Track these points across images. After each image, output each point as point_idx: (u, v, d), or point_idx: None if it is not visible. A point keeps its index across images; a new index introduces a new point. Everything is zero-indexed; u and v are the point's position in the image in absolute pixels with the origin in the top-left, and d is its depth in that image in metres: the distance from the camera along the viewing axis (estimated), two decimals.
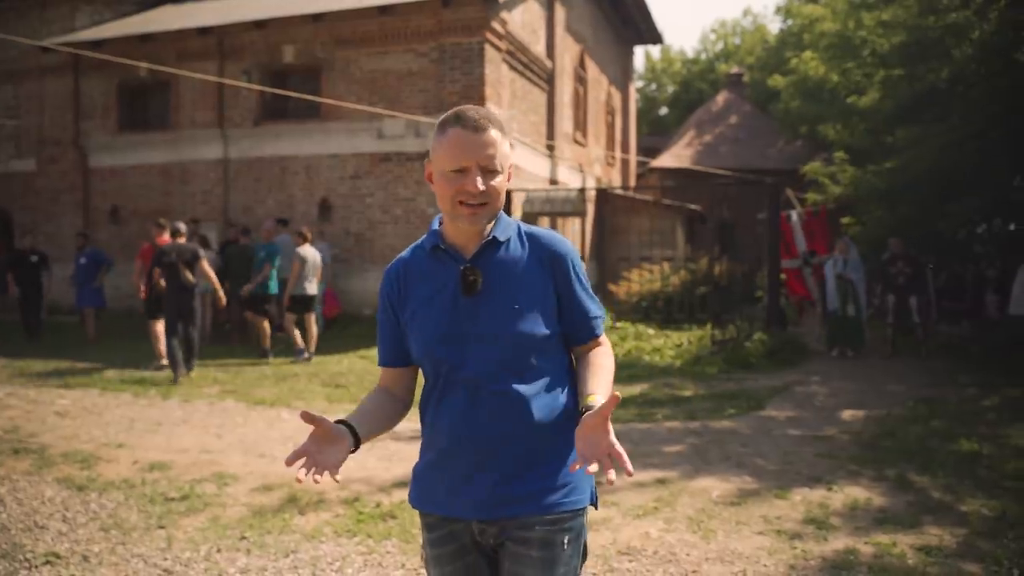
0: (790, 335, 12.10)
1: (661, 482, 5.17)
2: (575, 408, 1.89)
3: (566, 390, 1.90)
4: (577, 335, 1.93)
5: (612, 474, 1.59)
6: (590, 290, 1.96)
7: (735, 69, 29.93)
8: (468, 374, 1.82)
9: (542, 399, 1.83)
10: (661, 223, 16.86)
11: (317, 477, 1.64)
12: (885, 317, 11.54)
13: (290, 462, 1.67)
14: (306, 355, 10.61)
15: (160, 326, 9.81)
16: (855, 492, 4.97)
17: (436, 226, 1.93)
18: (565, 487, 1.85)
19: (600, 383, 1.82)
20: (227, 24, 14.23)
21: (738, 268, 17.52)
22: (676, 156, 24.46)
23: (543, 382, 1.85)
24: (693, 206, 18.93)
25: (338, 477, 1.66)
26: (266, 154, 14.21)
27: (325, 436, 1.72)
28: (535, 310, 1.83)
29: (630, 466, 1.60)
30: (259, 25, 13.92)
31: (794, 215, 13.13)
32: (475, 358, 1.81)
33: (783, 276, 13.08)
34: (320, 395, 8.24)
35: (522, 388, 1.82)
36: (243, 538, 4.16)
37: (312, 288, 10.70)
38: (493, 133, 1.79)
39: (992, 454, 5.90)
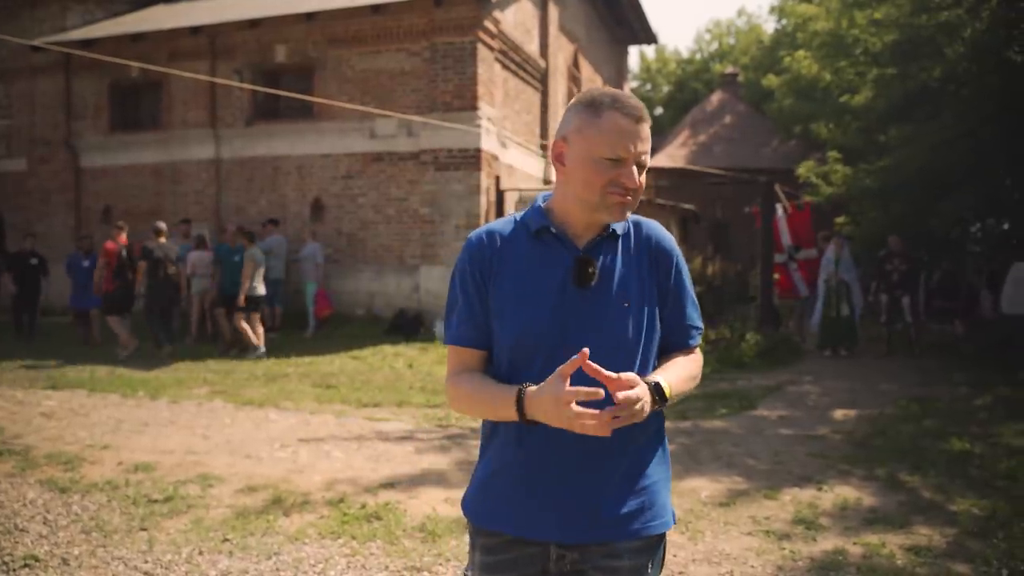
0: (783, 335, 12.09)
1: None
2: (663, 423, 1.79)
3: None
4: (671, 342, 1.78)
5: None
6: (693, 295, 1.82)
7: (730, 69, 29.90)
8: None
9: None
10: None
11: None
12: (879, 316, 11.55)
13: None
14: (260, 351, 10.86)
15: (117, 320, 10.94)
16: (845, 492, 4.94)
17: (540, 203, 1.78)
18: (653, 508, 1.72)
19: (671, 372, 1.68)
20: (219, 23, 14.17)
21: (732, 268, 17.51)
22: (671, 156, 24.42)
23: None
24: (687, 206, 18.89)
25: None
26: (258, 154, 14.15)
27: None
28: (644, 311, 1.71)
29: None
30: (251, 24, 13.86)
31: (779, 210, 13.12)
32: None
33: (776, 276, 13.06)
34: (310, 395, 8.18)
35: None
36: (226, 540, 4.11)
37: (260, 288, 11.08)
38: (648, 127, 1.67)
39: (984, 453, 5.88)
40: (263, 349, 10.91)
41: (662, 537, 1.76)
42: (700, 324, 1.82)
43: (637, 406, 1.51)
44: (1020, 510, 4.48)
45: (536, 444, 1.66)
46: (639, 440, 1.70)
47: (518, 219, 1.78)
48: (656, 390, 1.59)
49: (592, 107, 1.65)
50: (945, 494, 4.91)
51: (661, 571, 1.80)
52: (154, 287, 10.66)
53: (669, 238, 1.79)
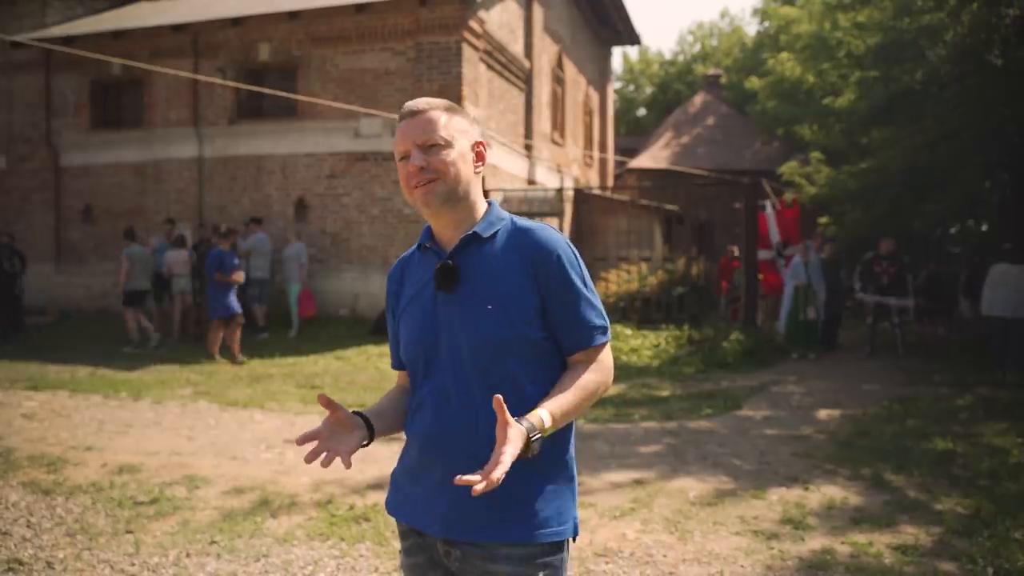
0: (767, 335, 12.13)
1: (638, 482, 5.14)
2: (567, 428, 1.76)
3: None
4: (566, 343, 1.74)
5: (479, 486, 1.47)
6: (589, 294, 1.74)
7: (712, 71, 30.03)
8: (439, 378, 1.72)
9: (518, 411, 1.63)
10: (639, 223, 16.85)
11: (326, 461, 1.60)
12: (866, 317, 11.61)
13: (301, 442, 1.62)
14: (150, 343, 11.54)
15: None
16: (831, 491, 4.97)
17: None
18: (542, 514, 1.69)
19: (558, 399, 1.65)
20: (202, 21, 14.07)
21: (715, 269, 17.55)
22: (653, 157, 24.50)
23: (520, 393, 1.67)
24: (670, 207, 18.95)
25: (351, 462, 1.62)
26: (241, 153, 14.05)
27: (339, 423, 1.67)
28: (510, 312, 1.67)
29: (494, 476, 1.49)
30: (235, 22, 13.76)
31: (769, 206, 13.16)
32: (446, 361, 1.71)
33: (760, 277, 13.09)
34: (294, 396, 8.14)
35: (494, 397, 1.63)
36: (213, 542, 4.08)
37: (143, 284, 11.70)
38: (432, 113, 1.73)
39: (966, 453, 5.94)
40: (154, 341, 11.56)
41: (555, 547, 1.70)
42: (599, 322, 1.75)
43: (495, 475, 1.49)
44: (1004, 509, 4.52)
45: (422, 442, 1.75)
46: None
47: (417, 243, 1.90)
48: (529, 439, 1.56)
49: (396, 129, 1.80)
50: (929, 493, 4.95)
51: None
52: None
53: (551, 237, 1.73)
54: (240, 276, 10.44)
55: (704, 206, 20.86)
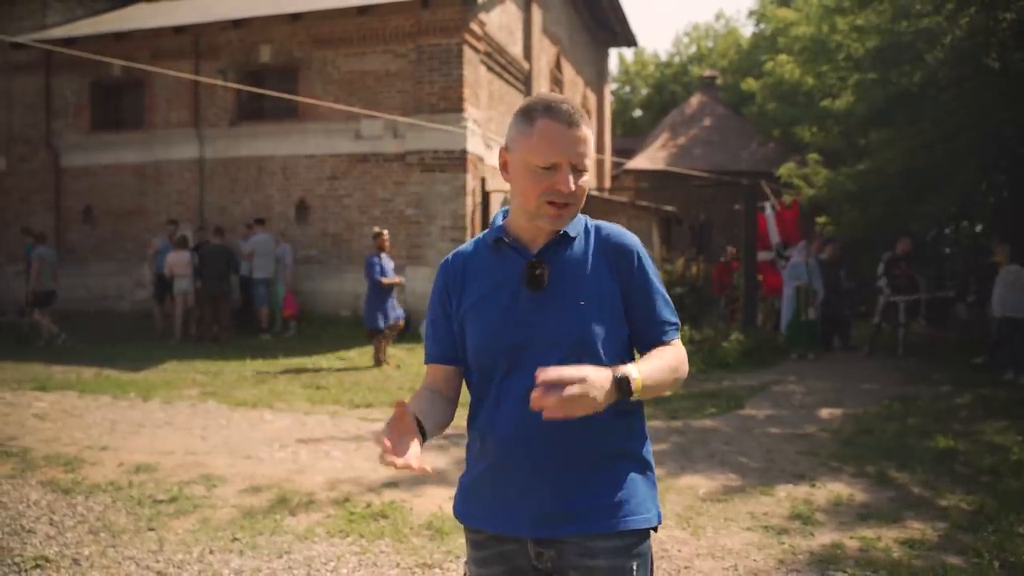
0: (767, 334, 12.23)
1: None
2: (642, 420, 1.82)
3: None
4: (643, 338, 1.79)
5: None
6: (663, 292, 1.81)
7: (708, 72, 30.14)
8: (523, 376, 1.66)
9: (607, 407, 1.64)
10: (637, 224, 16.95)
11: (412, 464, 1.48)
12: (871, 317, 11.71)
13: (377, 442, 1.49)
14: (62, 337, 11.99)
15: None
16: (837, 488, 5.07)
17: (500, 221, 1.82)
18: (630, 503, 1.72)
19: (645, 363, 1.66)
20: (203, 23, 14.12)
21: (712, 271, 17.65)
22: (651, 158, 24.58)
23: None
24: (668, 207, 19.07)
25: (428, 468, 1.51)
26: (242, 154, 14.11)
27: (406, 429, 1.56)
28: (603, 309, 1.72)
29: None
30: (236, 24, 13.82)
31: (768, 207, 13.25)
32: (536, 358, 1.64)
33: (760, 277, 13.19)
34: (301, 396, 8.20)
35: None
36: (235, 539, 4.15)
37: (51, 285, 12.15)
38: (586, 130, 1.67)
39: (968, 450, 6.04)
40: (63, 336, 11.96)
41: (644, 536, 1.74)
42: (674, 319, 1.81)
43: (575, 389, 1.47)
44: (1007, 505, 4.61)
45: (499, 444, 1.71)
46: (609, 436, 1.72)
47: (481, 238, 1.85)
48: (619, 381, 1.56)
49: (526, 115, 1.69)
50: (933, 490, 5.05)
51: (651, 573, 1.80)
52: None
53: (630, 237, 1.80)
54: (400, 279, 10.41)
55: (702, 207, 20.98)
